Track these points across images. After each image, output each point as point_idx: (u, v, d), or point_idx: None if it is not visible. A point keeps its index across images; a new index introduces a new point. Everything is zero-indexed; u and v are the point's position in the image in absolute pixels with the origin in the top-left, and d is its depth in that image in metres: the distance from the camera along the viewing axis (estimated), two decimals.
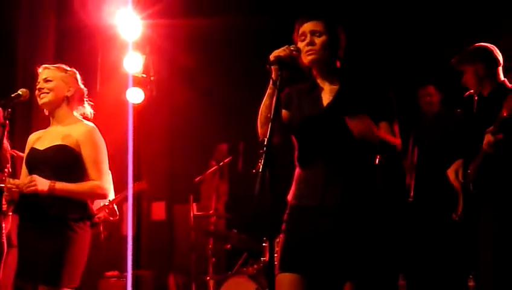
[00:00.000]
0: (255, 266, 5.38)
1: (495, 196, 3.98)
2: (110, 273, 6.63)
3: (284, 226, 3.05)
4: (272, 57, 2.84)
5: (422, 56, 6.05)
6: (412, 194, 5.84)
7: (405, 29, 6.22)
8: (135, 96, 6.83)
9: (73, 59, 6.27)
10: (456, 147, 4.33)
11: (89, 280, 4.76)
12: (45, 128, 3.90)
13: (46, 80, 3.80)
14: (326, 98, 3.05)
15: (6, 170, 4.58)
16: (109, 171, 5.40)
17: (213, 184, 6.54)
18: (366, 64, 3.11)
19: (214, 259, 6.08)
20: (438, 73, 5.66)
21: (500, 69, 4.16)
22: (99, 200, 5.07)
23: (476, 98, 4.22)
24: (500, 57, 4.17)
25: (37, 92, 3.81)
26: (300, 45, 3.03)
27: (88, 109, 3.97)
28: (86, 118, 3.92)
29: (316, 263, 2.90)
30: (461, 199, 4.15)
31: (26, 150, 3.87)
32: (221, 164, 6.49)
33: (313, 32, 3.02)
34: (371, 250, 2.89)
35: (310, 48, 3.01)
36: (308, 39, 3.02)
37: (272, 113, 2.72)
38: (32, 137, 3.90)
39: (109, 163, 3.89)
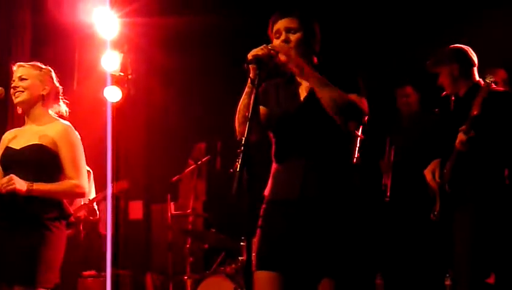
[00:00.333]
0: (233, 266, 5.37)
1: (470, 194, 4.02)
2: (87, 272, 6.58)
3: (260, 221, 3.03)
4: (250, 56, 2.82)
5: (399, 56, 6.07)
6: (388, 194, 5.86)
7: (383, 29, 6.24)
8: (113, 94, 6.78)
9: (50, 58, 6.26)
10: (433, 147, 4.36)
11: (68, 279, 4.73)
12: (21, 126, 3.87)
13: (21, 78, 3.77)
14: (303, 93, 3.04)
15: None
16: (91, 170, 5.39)
17: (191, 183, 6.53)
18: (342, 60, 3.10)
19: (191, 258, 6.06)
20: (415, 73, 5.69)
21: (475, 69, 4.21)
22: (79, 199, 5.06)
23: (453, 98, 4.26)
24: (475, 57, 4.21)
25: (12, 90, 3.77)
26: (276, 42, 3.01)
27: (63, 107, 3.94)
28: (61, 116, 3.88)
29: (292, 259, 2.89)
30: (438, 199, 4.18)
31: (1, 149, 3.82)
32: (199, 163, 6.47)
33: (287, 30, 3.01)
34: (348, 245, 2.89)
35: (286, 45, 2.98)
36: (283, 36, 3.00)
37: (250, 112, 2.71)
38: (7, 136, 3.86)
39: (87, 162, 3.87)
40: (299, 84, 3.08)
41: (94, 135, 5.74)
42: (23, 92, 3.75)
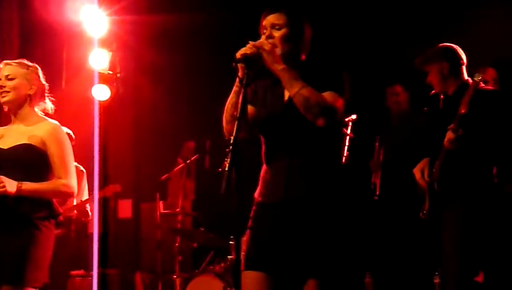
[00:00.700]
0: (222, 265, 5.38)
1: (458, 192, 4.03)
2: (75, 272, 6.56)
3: (250, 223, 3.04)
4: (238, 54, 2.80)
5: (389, 55, 6.07)
6: (377, 192, 5.87)
7: (372, 29, 6.25)
8: (101, 93, 6.75)
9: (38, 56, 6.23)
10: (422, 145, 4.37)
11: (57, 279, 4.71)
12: (7, 124, 3.84)
13: (8, 78, 3.73)
14: (288, 93, 3.00)
15: None
16: (84, 170, 5.36)
17: (180, 182, 6.52)
18: (326, 59, 3.08)
19: (180, 257, 6.06)
20: (405, 72, 5.69)
21: (464, 68, 4.21)
22: (72, 199, 5.04)
23: (442, 96, 4.27)
24: (464, 56, 4.22)
25: None
26: (262, 38, 2.98)
27: (49, 105, 3.90)
28: (47, 114, 3.86)
29: (278, 260, 2.89)
30: (427, 197, 4.19)
31: None
32: (188, 161, 6.46)
33: (272, 26, 2.98)
34: (331, 246, 2.88)
35: (268, 41, 2.95)
36: (267, 32, 2.99)
37: (239, 111, 2.70)
38: None
39: (77, 161, 3.86)
40: None
41: (83, 134, 5.72)
42: (9, 92, 3.72)
